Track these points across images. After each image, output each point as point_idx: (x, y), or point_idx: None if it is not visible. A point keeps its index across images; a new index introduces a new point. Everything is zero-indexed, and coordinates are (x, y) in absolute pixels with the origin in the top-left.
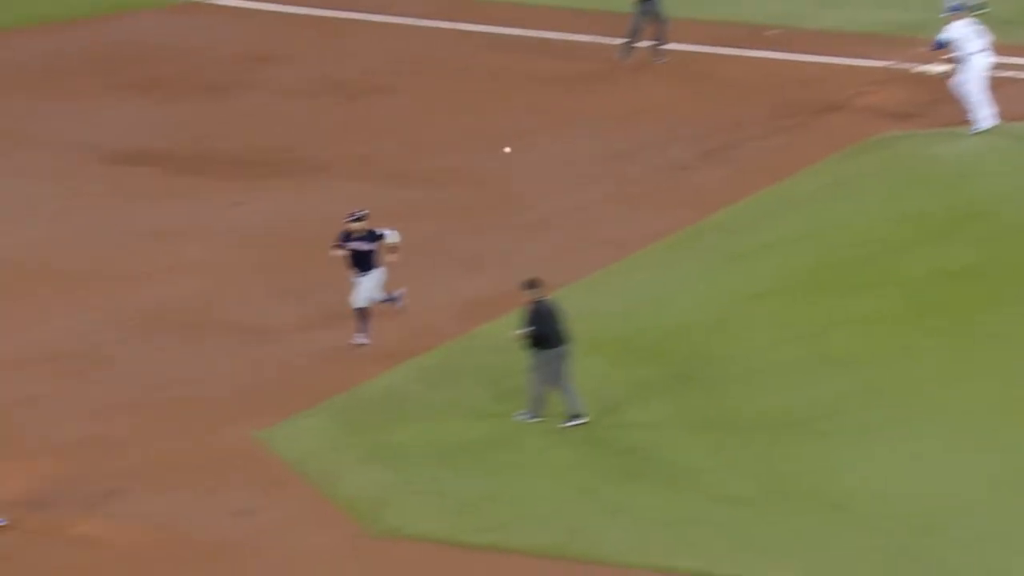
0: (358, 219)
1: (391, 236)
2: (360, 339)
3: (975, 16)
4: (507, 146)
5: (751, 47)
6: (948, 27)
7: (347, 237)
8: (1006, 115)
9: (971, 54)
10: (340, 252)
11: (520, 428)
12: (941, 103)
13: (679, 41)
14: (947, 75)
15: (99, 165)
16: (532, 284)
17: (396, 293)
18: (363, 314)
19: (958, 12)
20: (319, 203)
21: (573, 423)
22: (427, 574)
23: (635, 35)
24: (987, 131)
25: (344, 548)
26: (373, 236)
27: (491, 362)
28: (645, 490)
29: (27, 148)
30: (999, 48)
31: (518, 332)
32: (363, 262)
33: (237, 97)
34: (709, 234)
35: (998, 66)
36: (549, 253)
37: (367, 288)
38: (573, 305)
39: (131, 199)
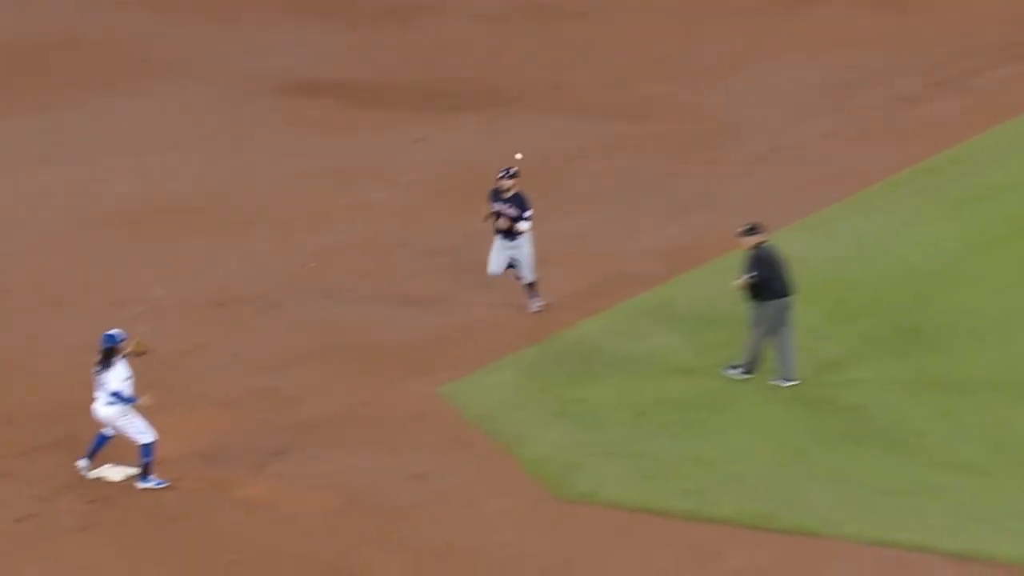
0: (509, 176)
1: (524, 224)
2: (536, 305)
3: None
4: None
5: None
6: None
7: (496, 195)
8: None
9: None
10: (489, 215)
11: (725, 385)
12: None
13: None
14: None
15: (272, 97)
16: (754, 229)
17: (536, 301)
18: (531, 285)
19: None
20: (509, 138)
21: (785, 383)
22: (620, 543)
23: None
24: None
25: (530, 513)
26: (520, 203)
27: (695, 312)
28: (863, 455)
29: (193, 79)
30: None
31: (739, 280)
32: (508, 228)
33: (423, 23)
34: (938, 173)
35: None
36: (762, 192)
37: (529, 259)
38: (787, 250)
39: (306, 134)
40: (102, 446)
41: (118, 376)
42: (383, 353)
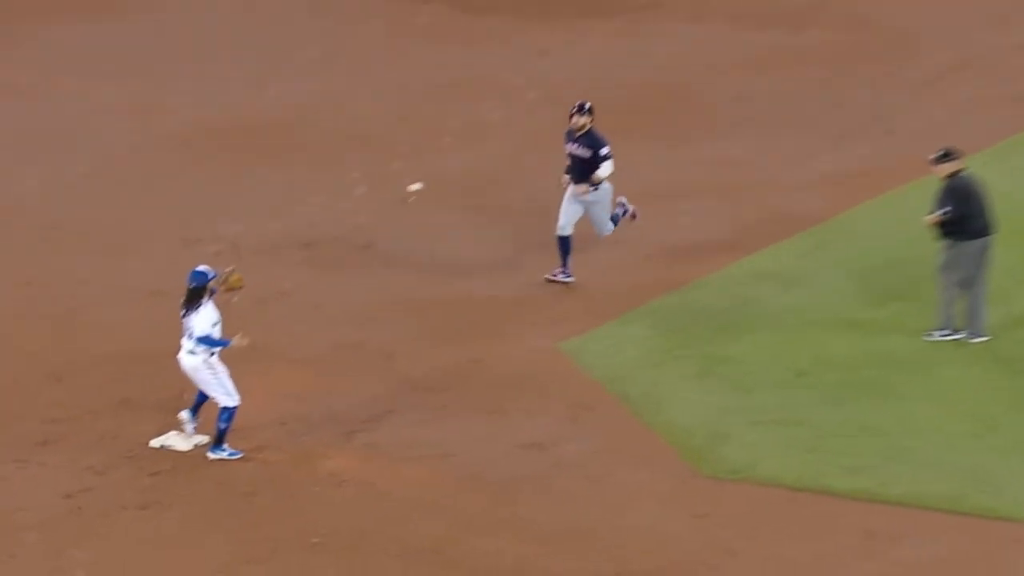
0: (582, 111)
1: (604, 167)
2: (559, 276)
3: None
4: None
5: None
6: None
7: (568, 137)
8: None
9: None
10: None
11: (899, 341)
12: None
13: None
14: None
15: (374, 0)
16: (949, 154)
17: (619, 202)
18: (565, 245)
19: None
20: (645, 49)
21: (974, 339)
22: (776, 528)
23: None
24: None
25: (669, 492)
26: (593, 145)
27: (864, 255)
28: None
29: None
30: None
31: (931, 216)
32: (581, 171)
33: None
34: None
35: None
36: (944, 114)
37: (602, 215)
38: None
39: (412, 44)
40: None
41: (207, 319)
42: (494, 303)
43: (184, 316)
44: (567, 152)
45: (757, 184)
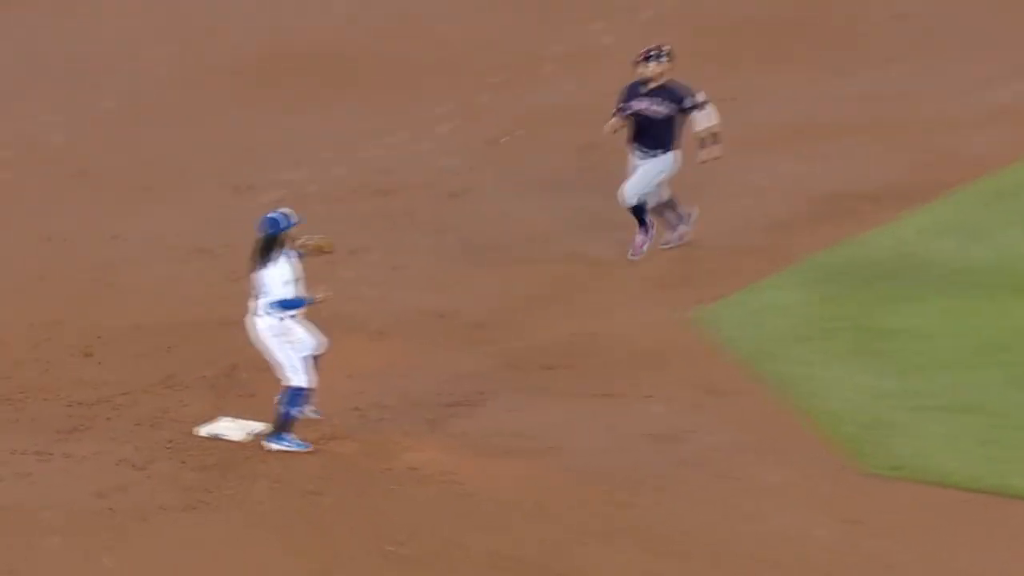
0: (658, 57)
1: (705, 115)
2: (638, 251)
3: None
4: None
5: None
6: None
7: (632, 92)
8: None
9: None
10: (617, 122)
11: None
12: None
13: None
14: None
15: None
16: None
17: (686, 212)
18: (641, 216)
19: None
20: None
21: None
22: (945, 536)
23: None
24: None
25: (817, 492)
26: (675, 97)
27: None
28: None
29: None
30: None
31: None
32: (651, 134)
33: None
34: None
35: None
36: None
37: (646, 179)
38: None
39: None
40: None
41: (280, 276)
42: (606, 265)
43: (253, 272)
44: (630, 110)
45: (920, 121)
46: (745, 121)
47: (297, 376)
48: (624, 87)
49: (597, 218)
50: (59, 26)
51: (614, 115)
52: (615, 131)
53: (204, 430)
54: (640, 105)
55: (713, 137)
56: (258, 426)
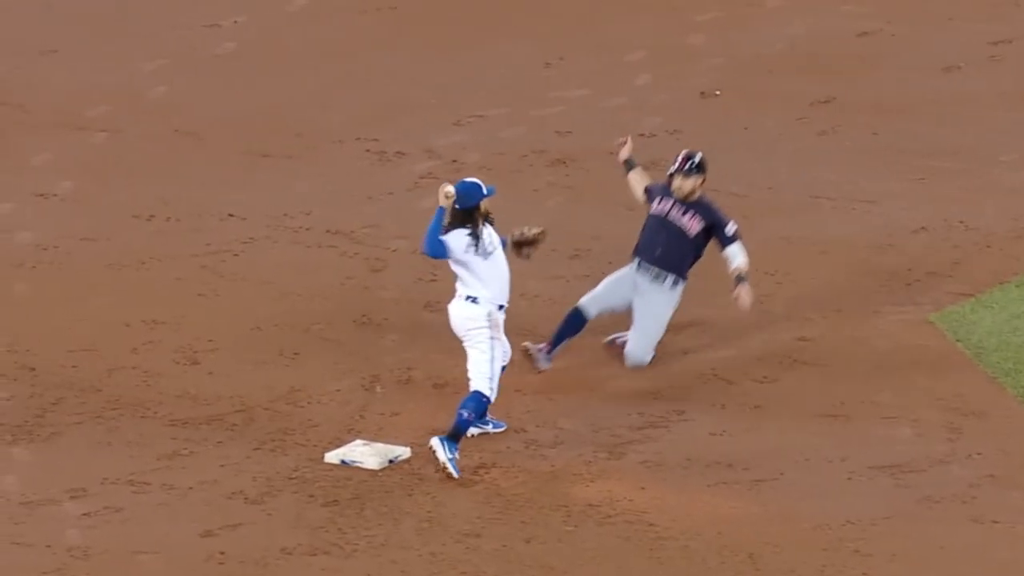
0: (691, 169)
1: (741, 250)
2: (539, 356)
3: None
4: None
5: None
6: None
7: (665, 192)
8: None
9: None
10: (628, 148)
11: None
12: None
13: None
14: None
15: None
16: None
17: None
18: (574, 324)
19: None
20: None
21: None
22: None
23: None
24: None
25: None
26: (714, 219)
27: None
28: None
29: None
30: None
31: None
32: (673, 251)
33: None
34: None
35: None
36: None
37: (657, 328)
38: None
39: None
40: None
41: (459, 240)
42: (837, 245)
43: (471, 247)
44: (657, 213)
45: None
46: (1021, 72)
47: (486, 381)
48: (656, 183)
49: (834, 187)
50: None
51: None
52: (623, 155)
53: (335, 456)
54: (671, 211)
55: (742, 280)
56: (400, 451)
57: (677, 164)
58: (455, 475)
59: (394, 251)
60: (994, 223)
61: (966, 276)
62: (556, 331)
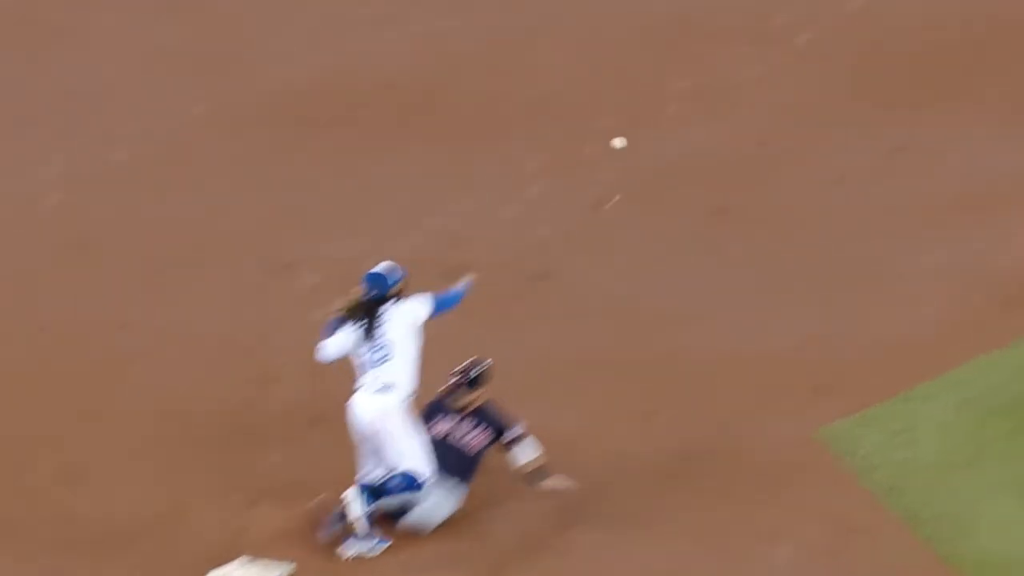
0: (467, 382)
1: (529, 449)
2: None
3: None
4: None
5: None
6: None
7: (440, 410)
8: None
9: None
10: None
11: None
12: None
13: None
14: None
15: None
16: None
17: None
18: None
19: None
20: None
21: None
22: None
23: None
24: None
25: None
26: (495, 420)
27: None
28: None
29: None
30: None
31: None
32: (447, 465)
33: None
34: None
35: None
36: None
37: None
38: None
39: None
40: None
41: (410, 314)
42: (726, 363)
43: (368, 339)
44: (436, 436)
45: None
46: (919, 181)
47: (422, 462)
48: (429, 403)
49: (720, 302)
50: (58, 57)
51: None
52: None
53: (218, 574)
54: (452, 431)
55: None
56: (283, 568)
57: (458, 375)
58: (385, 545)
59: (283, 364)
60: (881, 337)
61: (851, 391)
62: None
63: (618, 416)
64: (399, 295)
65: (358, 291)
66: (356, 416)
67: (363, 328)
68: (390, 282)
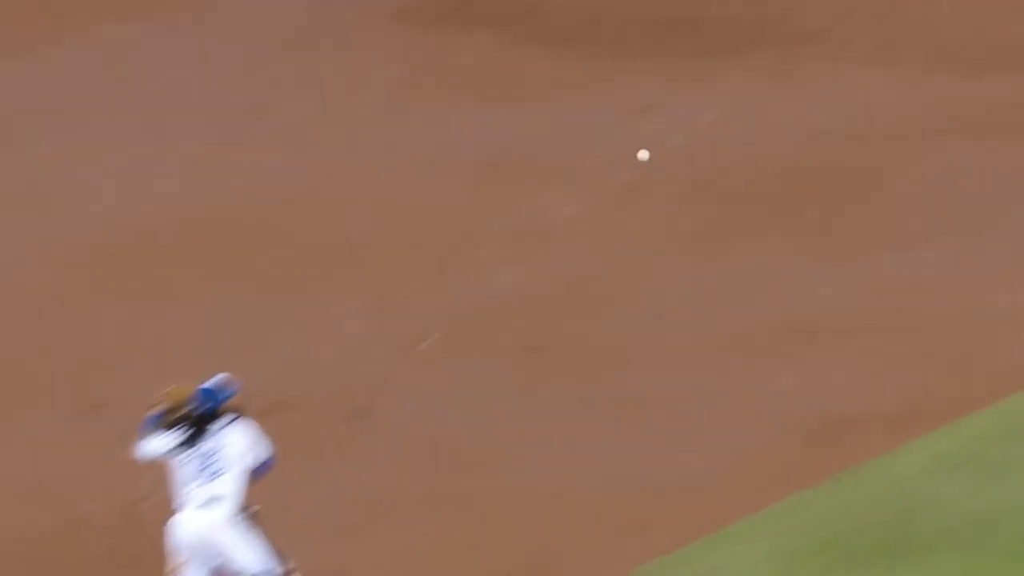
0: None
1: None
2: None
3: None
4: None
5: None
6: None
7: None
8: None
9: None
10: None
11: None
12: None
13: None
14: None
15: (387, 27)
16: None
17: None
18: None
19: None
20: (799, 106)
21: None
22: None
23: None
24: None
25: None
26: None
27: None
28: None
29: None
30: None
31: None
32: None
33: None
34: None
35: None
36: None
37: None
38: None
39: (446, 97)
40: None
41: (240, 440)
42: (543, 502)
43: (193, 449)
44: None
45: (956, 319)
46: (730, 318)
47: (265, 559)
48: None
49: (534, 442)
50: None
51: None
52: None
53: None
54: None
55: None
56: None
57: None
58: None
59: (93, 509)
60: (695, 475)
61: (665, 530)
62: None
63: (434, 554)
64: (233, 411)
65: (180, 390)
66: (183, 533)
67: (189, 437)
68: (221, 397)
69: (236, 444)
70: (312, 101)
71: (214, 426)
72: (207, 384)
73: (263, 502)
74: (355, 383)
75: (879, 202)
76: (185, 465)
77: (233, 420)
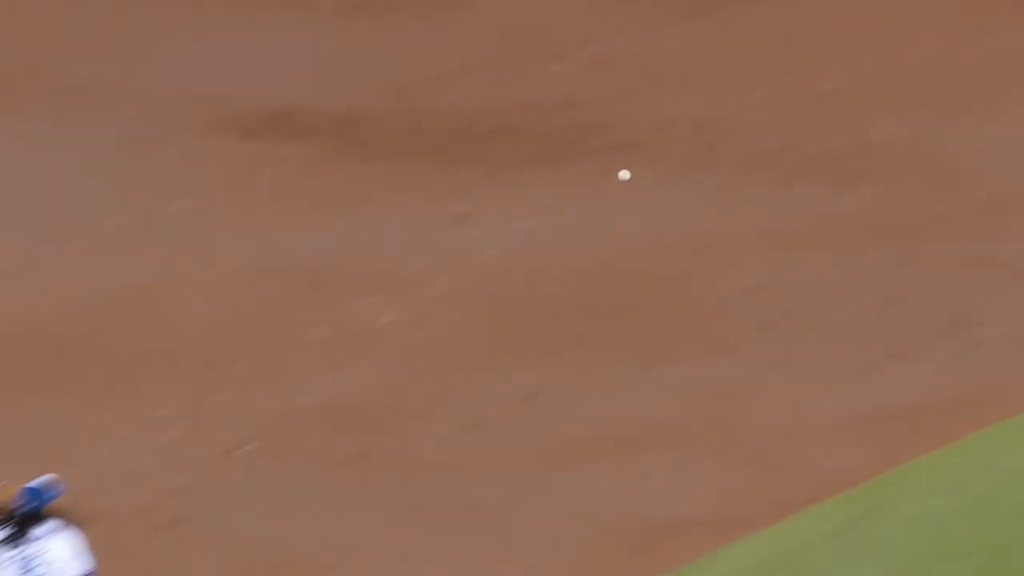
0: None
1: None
2: None
3: None
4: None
5: None
6: None
7: None
8: None
9: None
10: None
11: None
12: None
13: None
14: None
15: (207, 138)
16: None
17: None
18: None
19: None
20: (615, 216)
21: None
22: None
23: None
24: None
25: None
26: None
27: (923, 536)
28: None
29: (76, 107)
30: None
31: None
32: None
33: (460, 8)
34: None
35: None
36: None
37: None
38: None
39: (263, 206)
40: None
41: (60, 556)
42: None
43: (13, 549)
44: None
45: (769, 425)
46: (548, 426)
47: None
48: None
49: (355, 551)
50: None
51: None
52: None
53: None
54: None
55: None
56: None
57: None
58: None
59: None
60: None
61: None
62: None
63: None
64: (59, 517)
65: (6, 487)
66: None
67: (10, 537)
68: (45, 497)
69: (60, 553)
70: (127, 210)
71: (38, 530)
72: (32, 483)
73: None
74: (170, 491)
75: (695, 310)
76: (4, 568)
77: (58, 527)
